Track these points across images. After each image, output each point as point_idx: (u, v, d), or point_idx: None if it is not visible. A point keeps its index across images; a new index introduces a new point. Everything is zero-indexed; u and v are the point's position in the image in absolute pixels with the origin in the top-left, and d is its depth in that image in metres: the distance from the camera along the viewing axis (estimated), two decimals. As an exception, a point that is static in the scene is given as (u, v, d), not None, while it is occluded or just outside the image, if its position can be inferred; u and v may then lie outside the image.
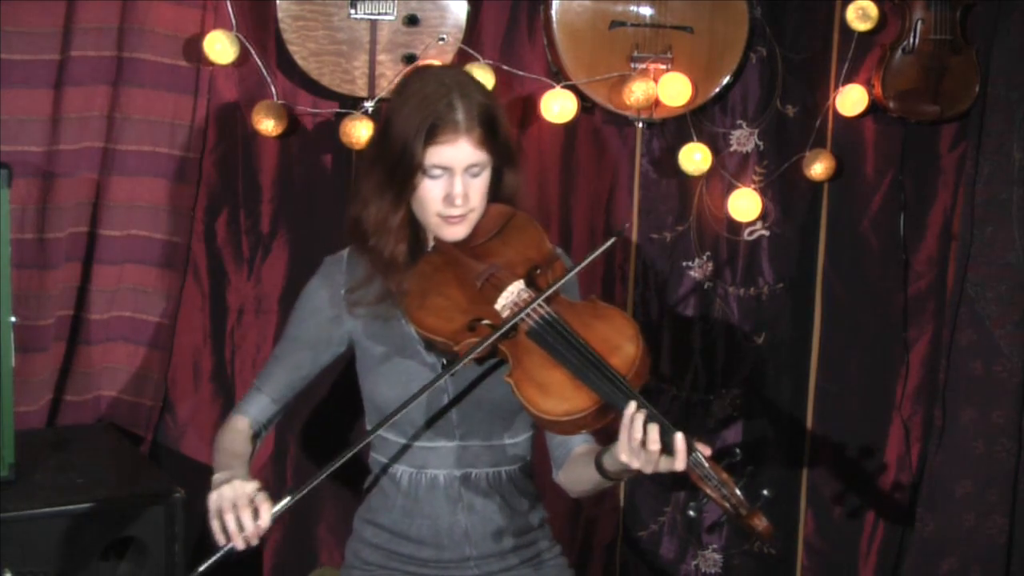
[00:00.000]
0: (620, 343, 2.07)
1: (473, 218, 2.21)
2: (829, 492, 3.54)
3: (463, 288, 2.17)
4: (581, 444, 2.32)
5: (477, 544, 2.28)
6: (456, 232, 2.20)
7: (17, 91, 2.76)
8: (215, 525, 1.99)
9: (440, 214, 2.17)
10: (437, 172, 2.14)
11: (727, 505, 1.99)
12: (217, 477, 2.09)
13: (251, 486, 2.01)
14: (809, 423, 3.53)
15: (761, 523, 1.99)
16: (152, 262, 2.96)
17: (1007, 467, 3.51)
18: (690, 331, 3.41)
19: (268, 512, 1.99)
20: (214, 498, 2.00)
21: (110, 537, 2.47)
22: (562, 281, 2.15)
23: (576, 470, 2.29)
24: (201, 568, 1.99)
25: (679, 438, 1.97)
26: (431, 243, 2.26)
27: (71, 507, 2.43)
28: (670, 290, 3.38)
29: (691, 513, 2.07)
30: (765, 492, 2.01)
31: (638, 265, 3.36)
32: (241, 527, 1.96)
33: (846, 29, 3.31)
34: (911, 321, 3.53)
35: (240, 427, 2.27)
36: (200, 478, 3.04)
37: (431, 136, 2.11)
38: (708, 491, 2.00)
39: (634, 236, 3.34)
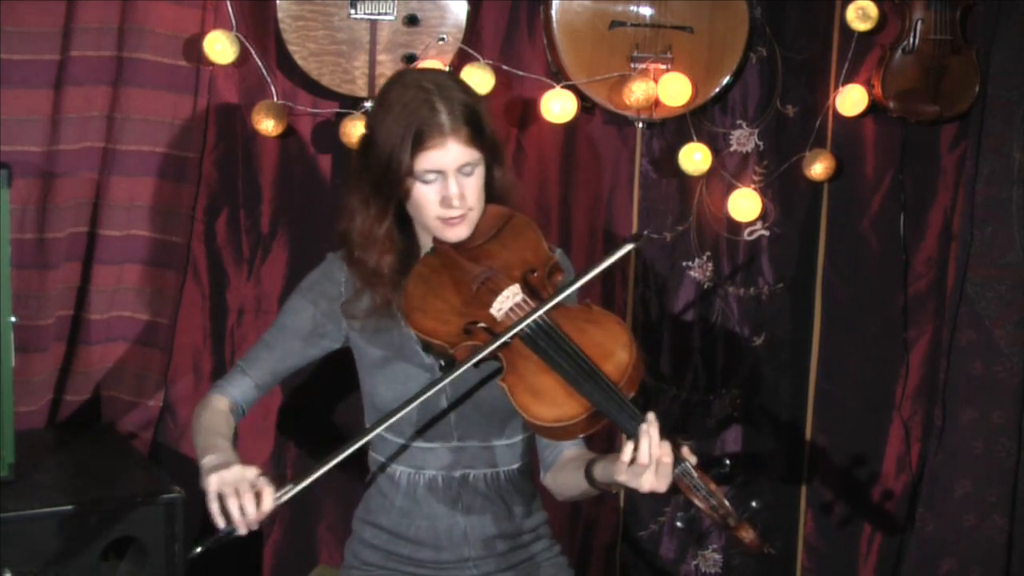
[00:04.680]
0: (613, 349, 2.05)
1: (473, 217, 2.20)
2: (829, 492, 3.54)
3: (459, 291, 2.17)
4: (571, 448, 2.31)
5: (476, 545, 2.28)
6: (458, 232, 2.19)
7: (17, 91, 2.76)
8: (215, 508, 1.97)
9: (439, 217, 2.17)
10: (431, 177, 2.14)
11: (715, 516, 1.99)
12: (209, 460, 2.06)
13: (252, 471, 2.00)
14: (809, 423, 3.53)
15: (748, 535, 1.99)
16: (152, 262, 2.96)
17: (1007, 467, 3.51)
18: (690, 331, 3.41)
19: (270, 498, 1.98)
20: (215, 481, 1.98)
21: (110, 537, 2.47)
22: (565, 293, 2.13)
23: (564, 475, 2.29)
24: (199, 549, 1.98)
25: (656, 445, 1.97)
26: (426, 249, 2.26)
27: (71, 507, 2.43)
28: (670, 290, 3.38)
29: (679, 524, 2.06)
30: (754, 503, 2.01)
31: (638, 265, 3.36)
32: (243, 512, 1.96)
33: (846, 29, 3.31)
34: (911, 321, 3.53)
35: (221, 407, 2.25)
36: (200, 478, 3.06)
37: (418, 143, 2.10)
38: (697, 501, 1.99)
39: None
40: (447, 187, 2.14)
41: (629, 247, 2.16)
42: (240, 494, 1.96)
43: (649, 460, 1.96)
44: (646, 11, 3.13)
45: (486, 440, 2.27)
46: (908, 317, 3.53)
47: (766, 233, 3.41)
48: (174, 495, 2.50)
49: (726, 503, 1.98)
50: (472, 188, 2.17)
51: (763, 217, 3.38)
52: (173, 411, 3.05)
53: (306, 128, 3.05)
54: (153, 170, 2.93)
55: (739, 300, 3.43)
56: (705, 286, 3.40)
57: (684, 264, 3.38)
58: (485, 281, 2.16)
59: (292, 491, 2.01)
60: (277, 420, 3.12)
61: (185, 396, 3.05)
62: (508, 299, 2.13)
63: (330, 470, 3.25)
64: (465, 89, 2.19)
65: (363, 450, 2.35)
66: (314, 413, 3.14)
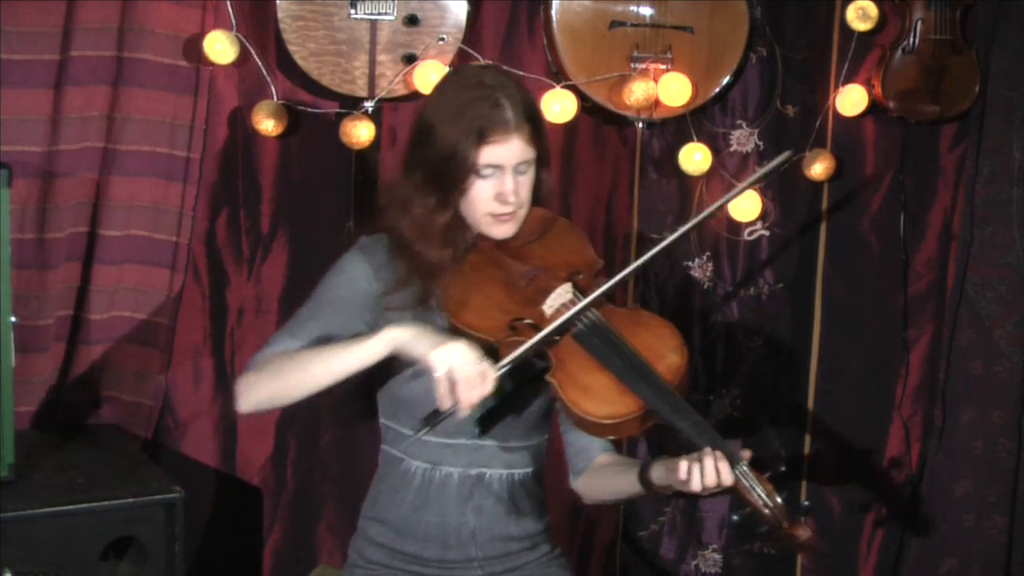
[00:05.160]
0: (664, 352, 2.10)
1: (521, 215, 2.22)
2: (829, 492, 3.54)
3: (505, 287, 2.18)
4: (602, 454, 2.34)
5: (483, 545, 2.28)
6: (506, 230, 2.21)
7: (17, 91, 2.76)
8: (443, 388, 1.99)
9: (491, 213, 2.18)
10: (488, 171, 2.15)
11: (768, 514, 2.01)
12: (401, 331, 2.06)
13: (473, 352, 2.01)
14: (809, 423, 3.53)
15: (804, 533, 2.02)
16: (152, 262, 2.96)
17: (1007, 467, 3.51)
18: (690, 331, 3.41)
19: (493, 376, 2.01)
20: (445, 359, 1.99)
21: (110, 537, 2.47)
22: (622, 276, 2.15)
23: (601, 480, 2.31)
24: (425, 430, 2.05)
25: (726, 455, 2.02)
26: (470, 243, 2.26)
27: (71, 507, 2.43)
28: (670, 290, 3.38)
29: (735, 518, 2.08)
30: (806, 503, 2.05)
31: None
32: (474, 394, 1.99)
33: (846, 29, 3.31)
34: (911, 321, 3.53)
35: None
36: (200, 478, 3.06)
37: (483, 137, 2.12)
38: (751, 500, 2.02)
39: (634, 236, 3.34)
40: (503, 183, 2.16)
41: (785, 155, 2.28)
42: (470, 376, 1.99)
43: (703, 489, 2.02)
44: (646, 11, 3.13)
45: (506, 441, 2.27)
46: (908, 317, 3.53)
47: (766, 233, 3.41)
48: (174, 495, 2.50)
49: (780, 502, 2.01)
50: (525, 186, 2.20)
51: (763, 217, 3.38)
52: (173, 411, 3.05)
53: (306, 128, 3.05)
54: (153, 170, 2.93)
55: (739, 300, 3.43)
56: (705, 286, 3.40)
57: (684, 264, 3.38)
58: (533, 279, 2.18)
59: (507, 365, 2.04)
60: (277, 420, 3.11)
61: (185, 396, 3.05)
62: (559, 297, 2.15)
63: (331, 467, 3.25)
64: (522, 87, 2.22)
65: (375, 444, 2.35)
66: (315, 413, 3.13)
